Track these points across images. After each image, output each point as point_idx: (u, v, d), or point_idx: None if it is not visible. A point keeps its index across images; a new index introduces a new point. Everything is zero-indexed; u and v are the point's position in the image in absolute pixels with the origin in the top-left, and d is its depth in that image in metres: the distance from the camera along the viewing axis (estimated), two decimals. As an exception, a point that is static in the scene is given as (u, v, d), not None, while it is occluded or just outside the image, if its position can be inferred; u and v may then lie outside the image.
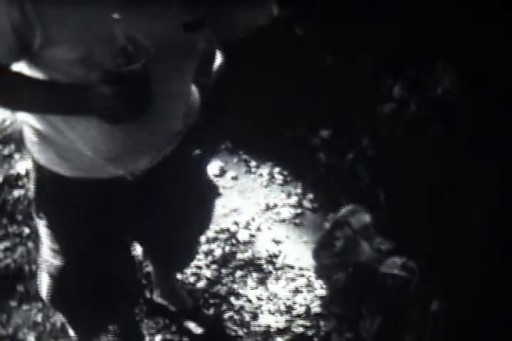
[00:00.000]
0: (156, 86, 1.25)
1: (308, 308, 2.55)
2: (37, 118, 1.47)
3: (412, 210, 2.60)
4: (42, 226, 1.73)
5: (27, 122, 1.53)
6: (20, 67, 1.35)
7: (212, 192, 2.26)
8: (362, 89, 2.99)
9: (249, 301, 2.58)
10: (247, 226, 2.81)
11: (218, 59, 1.88)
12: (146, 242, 2.06)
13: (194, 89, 1.64)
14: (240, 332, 2.49)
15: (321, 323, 2.50)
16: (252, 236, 2.79)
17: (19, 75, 1.34)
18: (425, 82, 2.90)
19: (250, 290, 2.61)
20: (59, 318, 2.37)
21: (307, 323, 2.51)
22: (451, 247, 2.45)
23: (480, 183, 2.57)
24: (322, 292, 2.58)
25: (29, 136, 1.57)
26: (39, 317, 2.47)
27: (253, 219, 2.84)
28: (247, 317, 2.53)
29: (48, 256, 1.78)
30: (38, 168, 1.61)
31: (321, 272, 2.57)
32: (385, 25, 2.95)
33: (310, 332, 2.49)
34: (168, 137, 1.56)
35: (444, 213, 2.54)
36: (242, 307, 2.55)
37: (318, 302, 2.56)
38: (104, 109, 1.26)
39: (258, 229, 2.82)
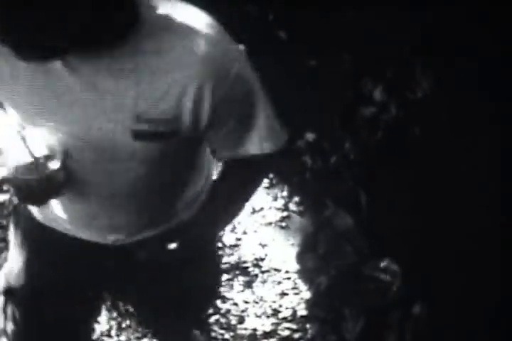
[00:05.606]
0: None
1: (294, 311, 2.55)
2: None
3: (394, 213, 2.61)
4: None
5: None
6: None
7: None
8: (344, 91, 3.00)
9: (236, 304, 2.58)
10: (233, 230, 2.81)
11: None
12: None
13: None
14: (227, 336, 2.49)
15: (307, 326, 2.50)
16: (238, 239, 2.79)
17: None
18: (405, 85, 2.91)
19: (236, 294, 2.61)
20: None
21: (293, 326, 2.51)
22: (434, 249, 2.46)
23: (462, 185, 2.58)
24: (308, 294, 2.59)
25: None
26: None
27: (239, 223, 2.84)
28: (233, 320, 2.53)
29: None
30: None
31: (304, 275, 2.58)
32: (367, 28, 2.96)
33: (296, 335, 2.49)
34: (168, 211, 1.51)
35: (427, 215, 2.54)
36: (228, 311, 2.56)
37: (304, 304, 2.57)
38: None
39: (244, 233, 2.82)
